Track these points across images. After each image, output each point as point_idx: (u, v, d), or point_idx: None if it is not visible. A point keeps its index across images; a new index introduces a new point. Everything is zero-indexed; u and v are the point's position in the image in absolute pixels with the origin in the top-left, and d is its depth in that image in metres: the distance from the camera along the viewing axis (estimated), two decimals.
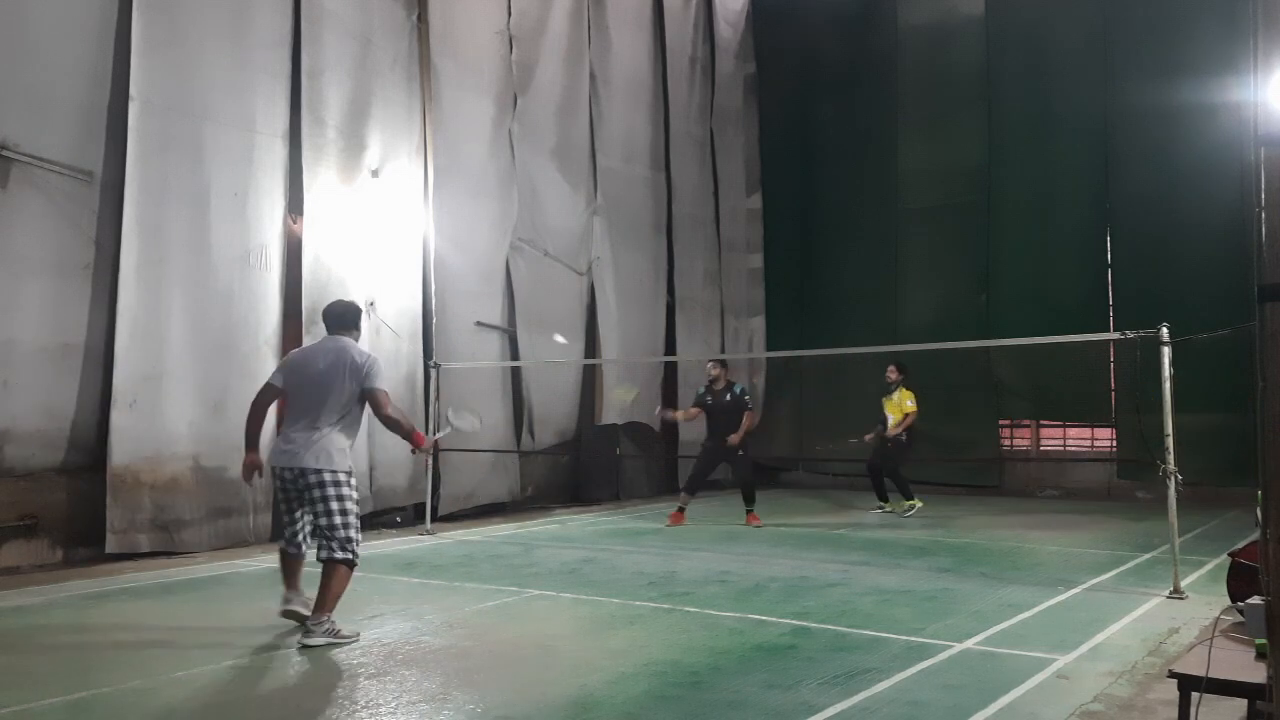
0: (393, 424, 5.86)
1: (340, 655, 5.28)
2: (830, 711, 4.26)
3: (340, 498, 5.66)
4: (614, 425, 13.96)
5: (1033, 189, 14.42)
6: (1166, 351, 6.85)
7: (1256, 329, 2.70)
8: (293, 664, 5.12)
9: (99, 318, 8.56)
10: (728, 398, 10.87)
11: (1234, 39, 12.09)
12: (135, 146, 8.61)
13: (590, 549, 9.27)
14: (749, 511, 11.11)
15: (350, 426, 5.86)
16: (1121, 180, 13.84)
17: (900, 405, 11.87)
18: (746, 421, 10.92)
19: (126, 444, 8.45)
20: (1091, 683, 4.68)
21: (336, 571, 5.57)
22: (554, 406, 13.00)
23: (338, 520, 5.62)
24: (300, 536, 5.88)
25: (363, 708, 4.40)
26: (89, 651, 5.51)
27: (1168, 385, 6.83)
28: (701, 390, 11.11)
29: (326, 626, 5.49)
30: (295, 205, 10.04)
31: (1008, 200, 14.65)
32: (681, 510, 11.28)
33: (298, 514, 5.83)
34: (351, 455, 5.86)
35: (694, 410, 11.20)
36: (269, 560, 8.47)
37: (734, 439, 10.74)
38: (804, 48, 16.78)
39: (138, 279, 8.61)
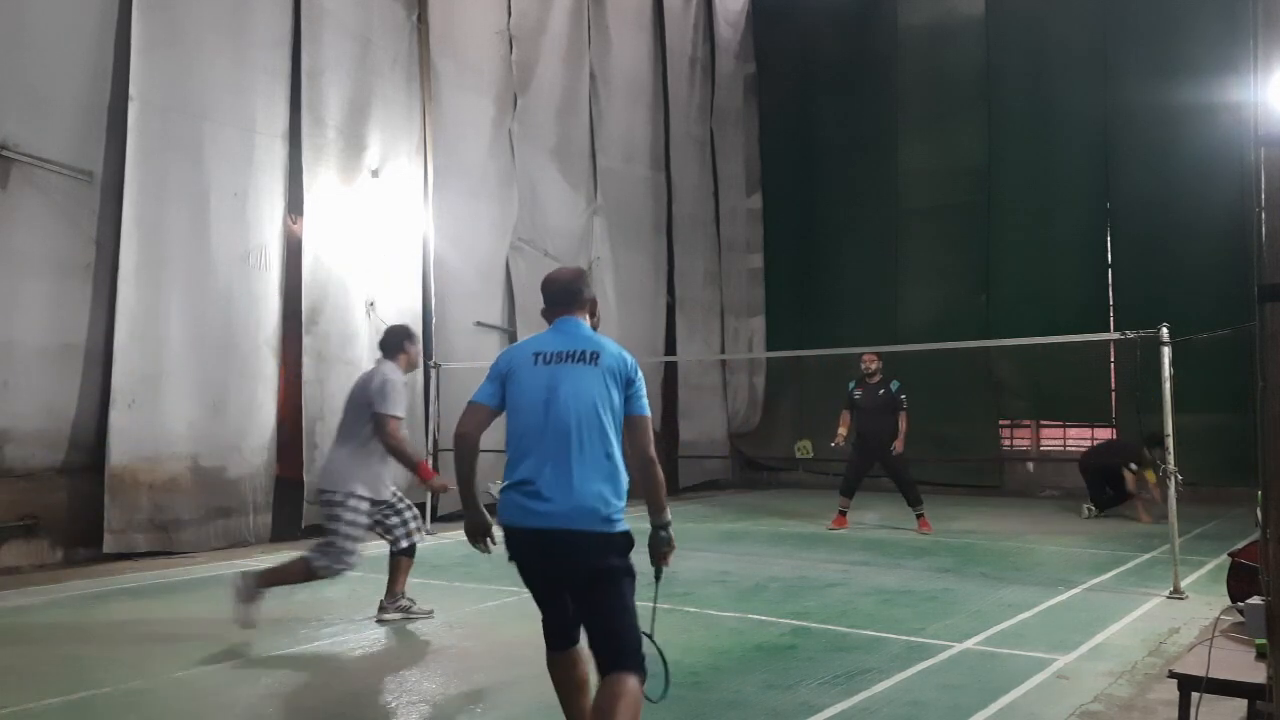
0: (394, 452, 5.77)
1: (340, 655, 5.28)
2: (830, 711, 4.26)
3: (334, 517, 5.65)
4: None
5: (1033, 189, 14.42)
6: (1166, 351, 6.85)
7: (1256, 329, 2.70)
8: (292, 664, 5.12)
9: (99, 318, 8.56)
10: (880, 393, 10.22)
11: (1234, 39, 12.08)
12: (135, 146, 8.61)
13: None
14: (919, 516, 10.36)
15: (365, 448, 5.79)
16: (1121, 180, 13.84)
17: None
18: (904, 424, 10.22)
19: (125, 444, 8.45)
20: (1091, 683, 4.68)
21: (301, 567, 5.67)
22: None
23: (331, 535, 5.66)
24: (390, 537, 6.04)
25: (363, 707, 4.40)
26: (89, 651, 5.51)
27: (1168, 385, 6.83)
28: (852, 386, 10.44)
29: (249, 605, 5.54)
30: (295, 205, 10.05)
31: (1008, 200, 14.64)
32: (843, 514, 10.64)
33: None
34: (375, 480, 5.81)
35: (846, 417, 10.37)
36: (269, 560, 8.48)
37: (898, 445, 10.13)
38: (804, 48, 16.78)
39: (137, 279, 8.61)
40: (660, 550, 3.81)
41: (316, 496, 5.85)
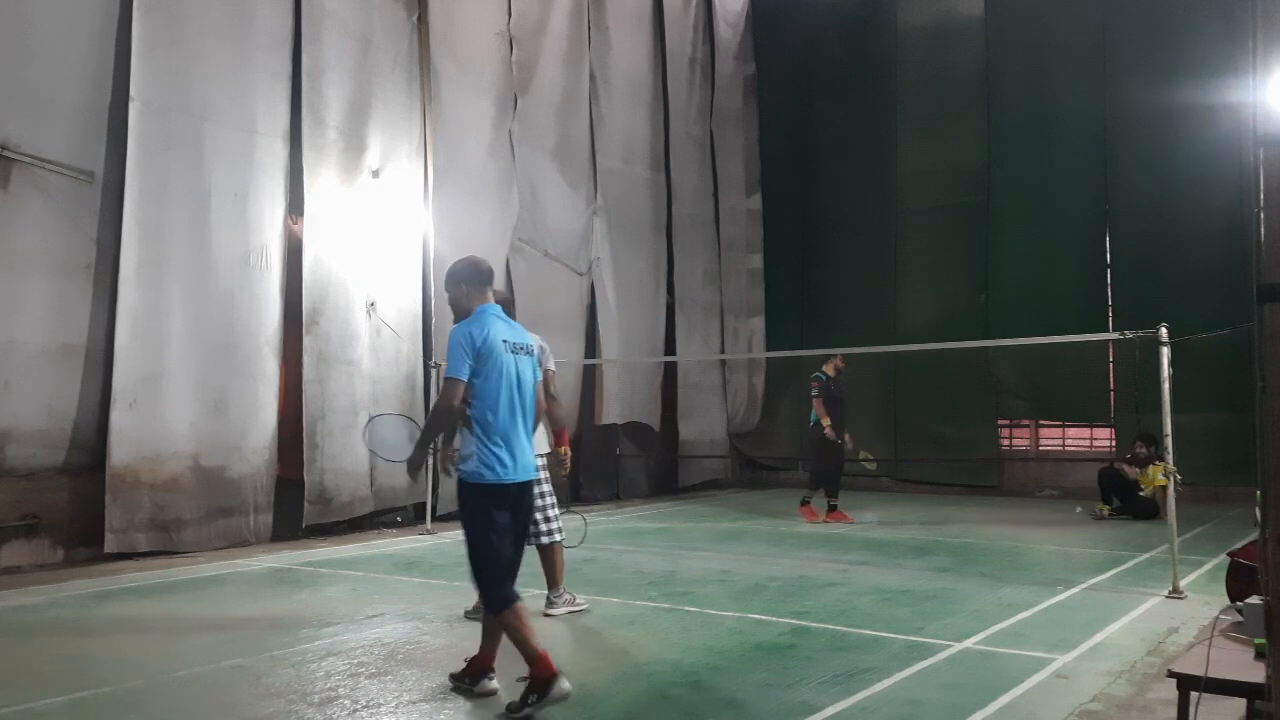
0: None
1: (341, 655, 5.29)
2: (830, 711, 4.27)
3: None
4: (614, 425, 13.97)
5: (1032, 189, 14.44)
6: (1165, 351, 6.85)
7: (1255, 329, 2.71)
8: (293, 664, 5.13)
9: (100, 318, 8.57)
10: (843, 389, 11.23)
11: (1233, 39, 12.11)
12: (136, 147, 8.62)
13: (590, 549, 9.27)
14: (806, 503, 11.34)
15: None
16: (1121, 180, 13.85)
17: None
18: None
19: (126, 444, 8.46)
20: (1091, 682, 4.69)
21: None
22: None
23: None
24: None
25: (363, 707, 4.40)
26: (90, 651, 5.51)
27: (1167, 385, 6.84)
28: (826, 379, 11.19)
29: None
30: (295, 205, 10.05)
31: (1007, 200, 14.67)
32: (836, 508, 11.28)
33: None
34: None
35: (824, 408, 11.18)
36: (269, 560, 8.50)
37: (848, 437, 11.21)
38: (804, 48, 16.80)
39: (138, 279, 8.62)
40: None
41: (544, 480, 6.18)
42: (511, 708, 4.22)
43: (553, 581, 6.28)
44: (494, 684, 4.57)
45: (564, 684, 4.21)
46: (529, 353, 4.59)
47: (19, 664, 5.19)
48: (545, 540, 6.15)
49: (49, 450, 8.22)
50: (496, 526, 4.34)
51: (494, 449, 4.34)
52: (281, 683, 4.79)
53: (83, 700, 4.52)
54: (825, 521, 11.04)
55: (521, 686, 4.28)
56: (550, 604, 6.25)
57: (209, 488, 9.06)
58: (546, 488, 6.19)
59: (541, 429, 6.02)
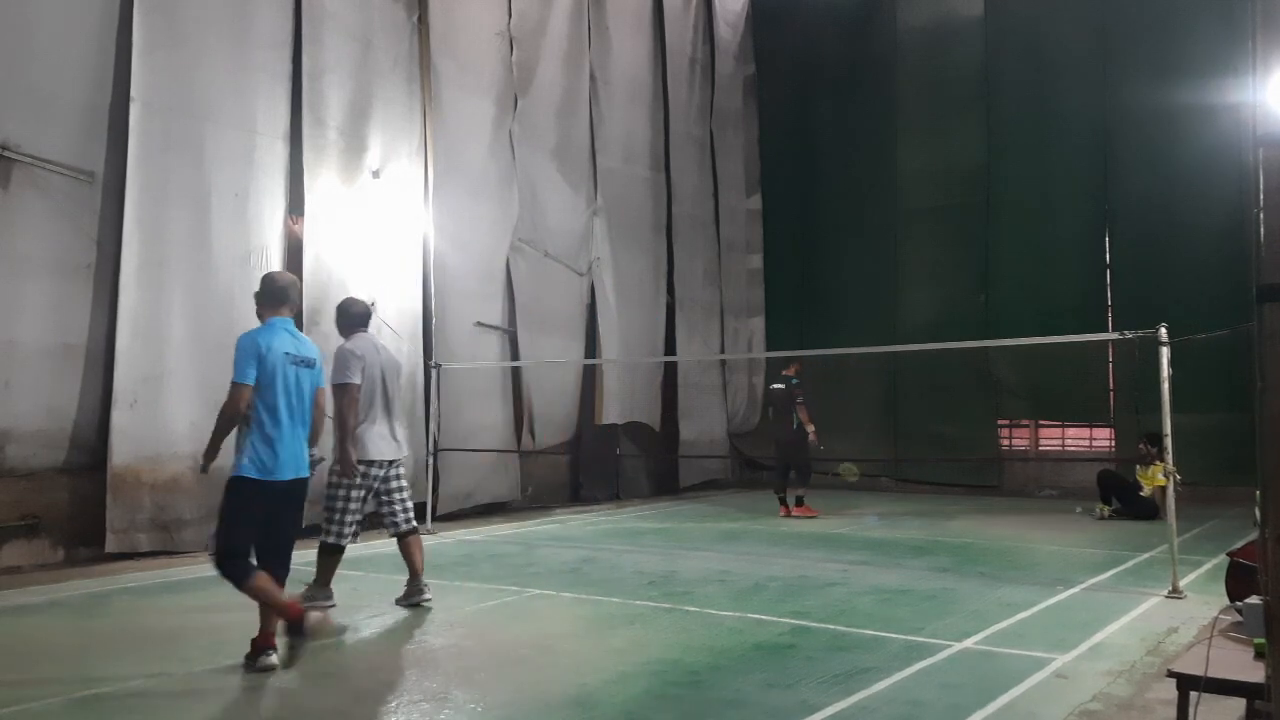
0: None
1: (341, 654, 5.30)
2: (829, 710, 4.27)
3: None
4: (614, 425, 13.98)
5: (1032, 189, 14.45)
6: (1165, 351, 6.86)
7: (1255, 329, 2.71)
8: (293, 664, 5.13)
9: (100, 318, 8.57)
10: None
11: (1232, 40, 12.11)
12: (136, 147, 8.62)
13: (590, 549, 9.29)
14: (800, 501, 11.75)
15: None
16: (1120, 181, 13.86)
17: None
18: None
19: (127, 444, 8.46)
20: (1090, 682, 4.69)
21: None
22: (554, 406, 13.01)
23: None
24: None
25: (364, 707, 4.41)
26: (90, 651, 5.52)
27: (1166, 385, 6.84)
28: (796, 383, 11.69)
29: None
30: (296, 206, 10.06)
31: (1007, 201, 14.67)
32: (802, 502, 11.74)
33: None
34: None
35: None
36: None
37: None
38: (803, 49, 16.80)
39: (139, 279, 8.62)
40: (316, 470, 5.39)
41: (392, 468, 6.49)
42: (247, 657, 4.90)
43: (414, 571, 6.51)
44: (273, 659, 4.90)
45: (273, 658, 4.84)
46: (309, 365, 5.15)
47: (19, 664, 5.19)
48: (405, 528, 6.52)
49: (49, 450, 8.22)
50: (249, 517, 4.91)
51: (264, 449, 4.92)
52: (282, 683, 4.79)
53: (83, 700, 4.53)
54: (793, 515, 11.57)
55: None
56: (407, 594, 6.46)
57: (210, 488, 8.98)
58: (404, 482, 6.58)
59: (390, 429, 6.47)
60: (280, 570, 5.03)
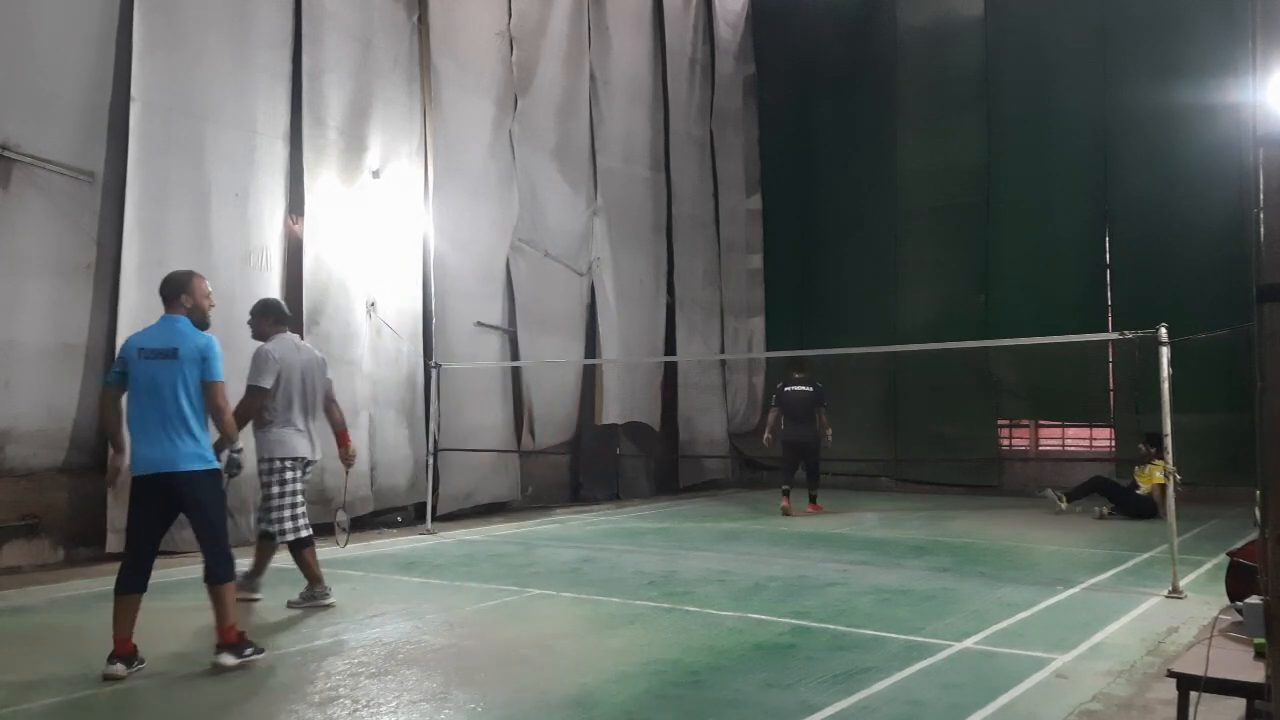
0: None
1: (341, 655, 5.30)
2: (829, 710, 4.27)
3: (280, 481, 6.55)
4: (614, 425, 13.98)
5: (1032, 189, 14.44)
6: (1165, 351, 6.86)
7: (1255, 329, 2.71)
8: (293, 663, 5.14)
9: (100, 318, 8.57)
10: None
11: (1232, 40, 12.11)
12: (136, 147, 8.62)
13: (590, 548, 9.29)
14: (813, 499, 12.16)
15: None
16: (1120, 181, 13.86)
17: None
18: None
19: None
20: (1090, 682, 4.69)
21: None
22: (554, 406, 13.01)
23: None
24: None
25: (364, 707, 4.41)
26: (90, 651, 5.50)
27: (1166, 385, 6.84)
28: (823, 386, 12.17)
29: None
30: (296, 206, 10.05)
31: (1007, 201, 14.67)
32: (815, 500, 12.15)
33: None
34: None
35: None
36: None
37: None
38: (803, 48, 16.80)
39: (139, 279, 8.61)
40: (230, 471, 5.28)
41: (305, 466, 6.50)
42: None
43: (256, 570, 6.64)
44: (231, 659, 4.96)
45: (112, 668, 4.82)
46: (168, 357, 5.05)
47: (19, 664, 5.20)
48: (263, 529, 6.55)
49: (49, 450, 8.22)
50: (131, 512, 5.14)
51: (134, 445, 5.04)
52: (282, 682, 4.80)
53: (83, 700, 4.53)
54: (807, 512, 11.90)
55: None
56: (240, 584, 6.27)
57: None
58: (274, 489, 6.39)
59: (307, 430, 6.53)
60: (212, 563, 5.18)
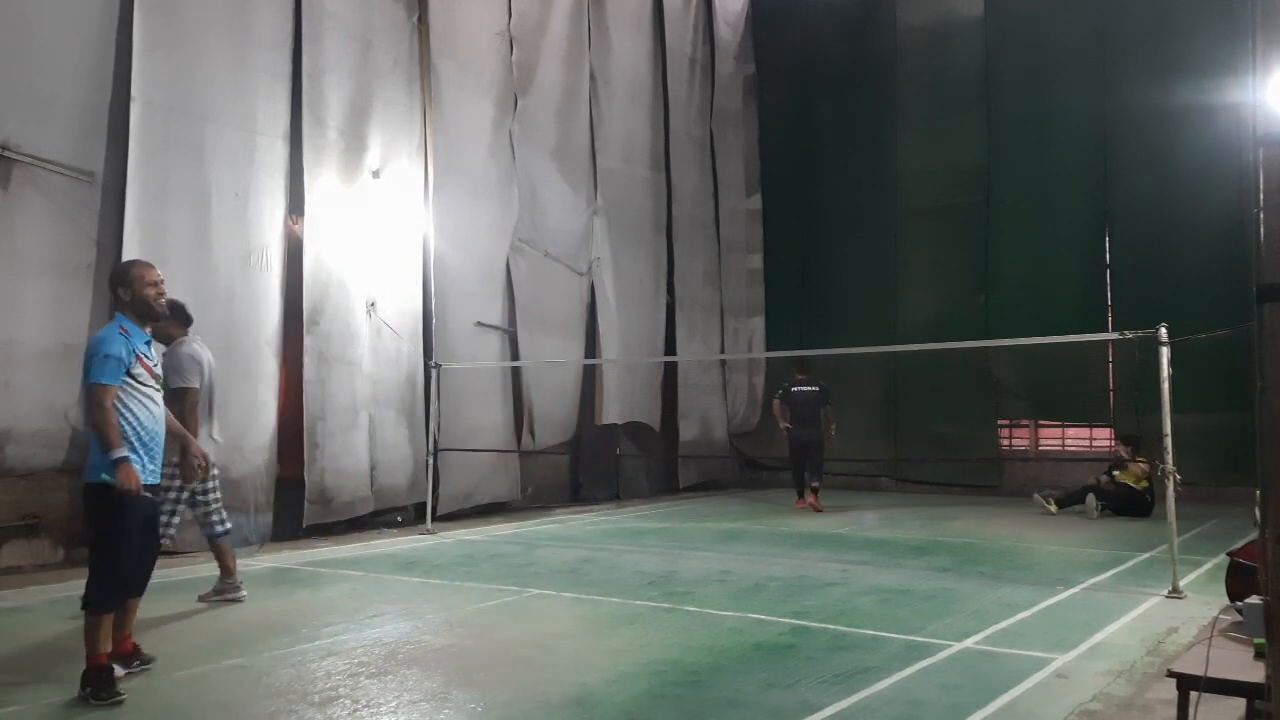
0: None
1: (341, 655, 5.30)
2: (830, 710, 4.28)
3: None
4: (614, 425, 13.98)
5: (1032, 189, 14.45)
6: (1165, 351, 6.86)
7: (1255, 329, 2.71)
8: (293, 664, 5.13)
9: (100, 318, 8.54)
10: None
11: (1232, 40, 12.11)
12: (137, 147, 8.62)
13: (590, 548, 9.29)
14: (814, 490, 12.43)
15: None
16: (1120, 181, 13.86)
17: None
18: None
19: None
20: (1090, 682, 4.69)
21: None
22: (554, 406, 13.01)
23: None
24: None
25: (364, 707, 4.41)
26: None
27: (1166, 385, 6.84)
28: (826, 385, 12.51)
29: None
30: (296, 206, 10.05)
31: (1007, 200, 14.67)
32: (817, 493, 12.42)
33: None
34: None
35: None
36: (269, 560, 8.51)
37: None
38: (803, 48, 16.80)
39: None
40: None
41: (213, 476, 6.54)
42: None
43: (227, 570, 6.72)
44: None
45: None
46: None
47: (19, 664, 5.20)
48: (220, 530, 6.70)
49: (49, 450, 8.21)
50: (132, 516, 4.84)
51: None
52: (282, 682, 4.80)
53: (83, 700, 4.52)
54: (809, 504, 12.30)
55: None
56: (218, 591, 6.65)
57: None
58: (218, 484, 6.71)
59: (210, 431, 6.64)
60: None
